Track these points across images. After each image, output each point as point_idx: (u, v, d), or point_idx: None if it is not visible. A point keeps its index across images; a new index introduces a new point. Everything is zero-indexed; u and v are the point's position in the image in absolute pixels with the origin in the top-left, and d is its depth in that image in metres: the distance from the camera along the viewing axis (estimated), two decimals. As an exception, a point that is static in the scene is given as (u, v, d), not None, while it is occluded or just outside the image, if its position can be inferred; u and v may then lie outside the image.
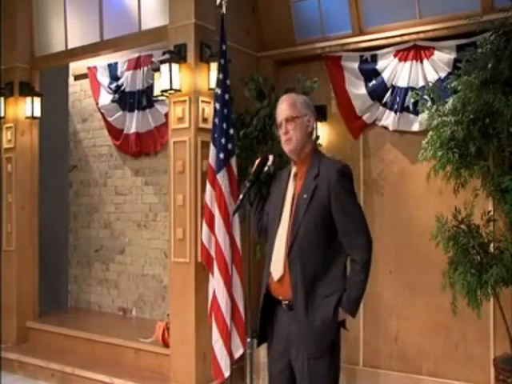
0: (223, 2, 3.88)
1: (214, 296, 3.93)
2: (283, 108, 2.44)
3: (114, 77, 5.75)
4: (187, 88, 4.14)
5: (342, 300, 2.30)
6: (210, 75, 4.19)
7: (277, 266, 2.38)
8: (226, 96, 3.95)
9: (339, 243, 2.35)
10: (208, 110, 4.19)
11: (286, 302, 2.37)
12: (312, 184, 2.35)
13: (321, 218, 2.32)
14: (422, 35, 4.21)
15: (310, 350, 2.30)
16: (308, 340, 2.30)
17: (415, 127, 4.24)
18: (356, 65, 4.52)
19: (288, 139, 2.41)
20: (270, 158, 2.57)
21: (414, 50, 4.23)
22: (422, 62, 4.20)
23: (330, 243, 2.34)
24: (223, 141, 3.92)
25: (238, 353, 3.99)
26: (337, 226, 2.33)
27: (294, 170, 2.46)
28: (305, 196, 2.35)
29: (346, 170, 2.37)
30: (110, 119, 5.86)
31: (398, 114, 4.31)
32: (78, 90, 6.35)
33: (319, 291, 2.31)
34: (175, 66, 4.07)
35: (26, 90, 5.44)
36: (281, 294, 2.39)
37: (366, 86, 4.48)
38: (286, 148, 2.44)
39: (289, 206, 2.40)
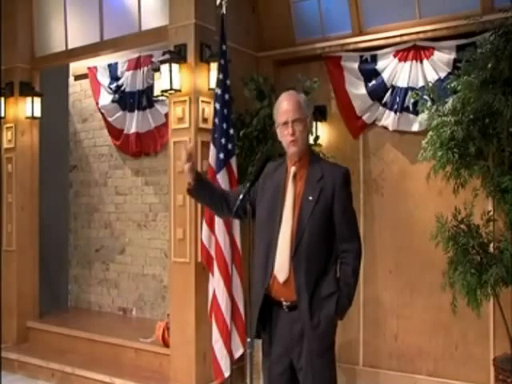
0: (223, 2, 3.88)
1: (214, 296, 3.93)
2: (289, 107, 2.39)
3: (114, 77, 5.74)
4: (187, 88, 4.14)
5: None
6: (210, 75, 4.19)
7: (282, 268, 2.36)
8: (226, 96, 3.95)
9: (336, 244, 2.40)
10: (208, 110, 4.19)
11: (288, 304, 2.36)
12: (317, 186, 2.36)
13: (324, 220, 2.35)
14: (421, 35, 4.21)
15: (314, 348, 2.32)
16: (312, 339, 2.31)
17: (415, 127, 4.24)
18: (356, 65, 4.52)
19: (295, 140, 2.38)
20: None
21: (414, 50, 4.23)
22: (421, 62, 4.20)
23: (330, 244, 2.38)
24: (223, 141, 3.92)
25: (238, 353, 4.01)
26: (336, 229, 2.37)
27: (293, 170, 2.44)
28: (310, 198, 2.35)
29: (348, 175, 2.44)
30: (110, 119, 5.86)
31: (397, 114, 4.30)
32: (78, 90, 6.34)
33: (321, 291, 2.33)
34: (175, 66, 4.07)
35: (26, 90, 5.44)
36: (283, 296, 2.37)
37: (366, 86, 4.48)
38: (292, 149, 2.40)
39: (290, 207, 2.38)
